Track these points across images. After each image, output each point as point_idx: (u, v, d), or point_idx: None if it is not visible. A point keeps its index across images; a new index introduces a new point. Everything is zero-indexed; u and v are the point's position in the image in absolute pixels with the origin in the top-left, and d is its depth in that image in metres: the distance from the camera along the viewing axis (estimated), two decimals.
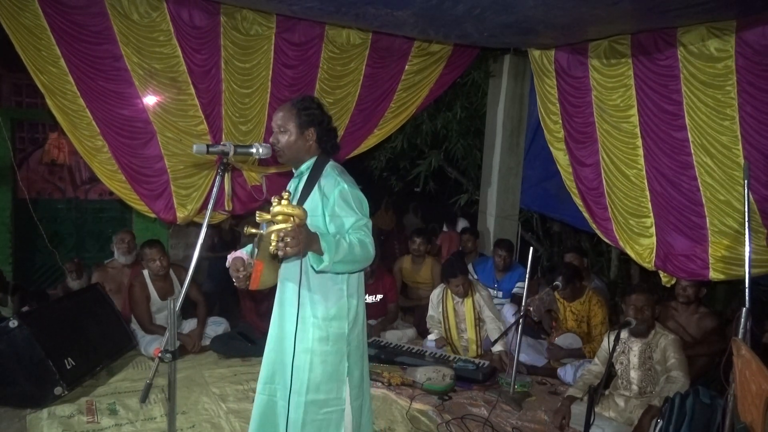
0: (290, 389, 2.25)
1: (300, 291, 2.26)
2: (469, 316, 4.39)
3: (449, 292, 4.49)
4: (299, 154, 2.29)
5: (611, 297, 5.34)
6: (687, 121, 3.94)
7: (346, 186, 2.16)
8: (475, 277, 5.17)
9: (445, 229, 7.18)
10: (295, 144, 2.26)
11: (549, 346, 4.30)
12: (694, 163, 3.96)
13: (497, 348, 4.22)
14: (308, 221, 2.17)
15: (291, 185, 2.38)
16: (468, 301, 4.40)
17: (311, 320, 2.23)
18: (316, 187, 2.21)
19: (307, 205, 2.20)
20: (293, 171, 2.37)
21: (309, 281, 2.21)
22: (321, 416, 2.24)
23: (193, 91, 4.36)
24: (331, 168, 2.26)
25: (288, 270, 2.28)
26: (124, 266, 4.65)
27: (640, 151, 4.28)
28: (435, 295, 4.63)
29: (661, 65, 4.06)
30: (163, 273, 4.34)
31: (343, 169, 2.30)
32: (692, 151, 3.95)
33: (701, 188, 3.96)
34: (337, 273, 2.18)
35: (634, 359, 3.40)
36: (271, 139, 2.31)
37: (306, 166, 2.30)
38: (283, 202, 1.89)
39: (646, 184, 4.28)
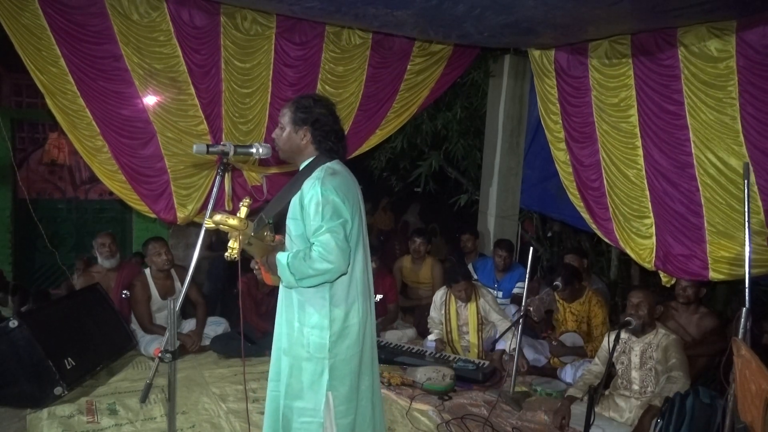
0: (283, 391, 2.25)
1: (288, 294, 2.26)
2: (472, 320, 4.37)
3: (453, 295, 4.48)
4: (294, 152, 2.26)
5: (611, 297, 5.34)
6: (689, 120, 3.94)
7: (319, 191, 2.09)
8: (475, 277, 5.16)
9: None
10: (288, 141, 2.24)
11: (553, 342, 4.30)
12: (695, 162, 3.96)
13: (501, 345, 4.22)
14: (289, 225, 2.20)
15: None
16: (471, 306, 4.38)
17: (295, 325, 2.21)
18: (299, 192, 2.17)
19: (291, 209, 2.20)
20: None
21: None
22: (299, 424, 2.21)
23: (193, 91, 4.36)
24: (319, 171, 2.18)
25: None
26: (109, 270, 4.50)
27: (640, 151, 4.28)
28: (438, 296, 4.61)
29: (662, 65, 4.06)
30: (167, 267, 4.33)
31: (336, 169, 2.21)
32: (693, 151, 3.95)
33: (700, 188, 3.96)
34: (309, 287, 2.14)
35: (635, 359, 3.39)
36: (273, 134, 2.31)
37: (303, 167, 2.26)
38: (220, 216, 1.98)
39: (646, 183, 4.28)
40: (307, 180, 2.16)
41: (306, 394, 2.19)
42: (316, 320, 2.17)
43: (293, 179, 2.24)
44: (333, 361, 2.18)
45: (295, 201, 2.18)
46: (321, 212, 2.07)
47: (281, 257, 2.12)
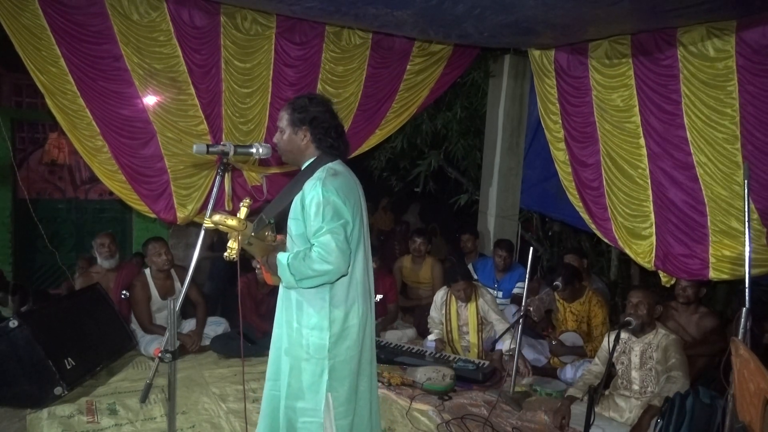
0: (284, 392, 2.25)
1: (288, 295, 2.26)
2: (472, 320, 4.38)
3: (452, 294, 4.49)
4: (296, 154, 2.26)
5: (611, 297, 5.34)
6: (686, 120, 3.94)
7: (320, 191, 2.08)
8: (475, 277, 5.17)
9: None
10: (289, 143, 2.24)
11: (553, 341, 4.30)
12: (694, 162, 3.96)
13: (500, 345, 4.23)
14: (290, 225, 2.20)
15: None
16: (471, 306, 4.39)
17: (294, 325, 2.21)
18: (300, 192, 2.17)
19: (292, 209, 2.20)
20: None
21: None
22: (300, 424, 2.21)
23: (193, 91, 4.36)
24: (321, 171, 2.17)
25: None
26: (108, 271, 4.48)
27: (644, 151, 4.28)
28: (439, 296, 4.61)
29: (661, 65, 4.06)
30: (167, 267, 4.33)
31: (338, 170, 2.21)
32: (692, 150, 3.95)
33: (703, 187, 3.96)
34: (308, 288, 2.15)
35: (635, 359, 3.40)
36: (274, 138, 2.30)
37: (304, 167, 2.26)
38: (218, 217, 1.98)
39: (649, 183, 4.28)
40: (309, 180, 2.15)
41: (306, 394, 2.19)
42: (315, 321, 2.17)
43: (294, 179, 2.24)
44: (332, 362, 2.18)
45: (296, 201, 2.18)
46: (322, 213, 2.07)
47: (281, 257, 2.13)
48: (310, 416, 2.20)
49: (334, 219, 2.07)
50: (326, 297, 2.16)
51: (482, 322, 4.39)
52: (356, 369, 2.27)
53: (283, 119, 2.25)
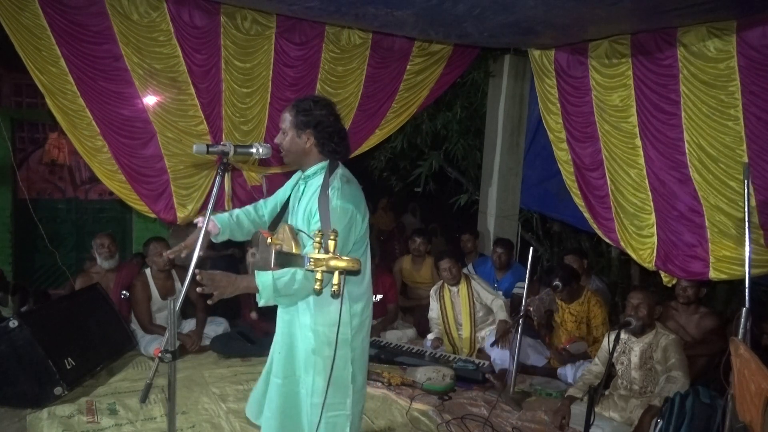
0: (310, 390, 2.26)
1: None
2: (464, 306, 4.46)
3: (446, 285, 4.57)
4: (299, 157, 2.25)
5: (611, 297, 5.34)
6: (684, 121, 3.93)
7: (340, 203, 2.08)
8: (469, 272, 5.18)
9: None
10: (292, 146, 2.22)
11: (560, 350, 4.25)
12: (688, 162, 3.96)
13: (501, 316, 4.41)
14: (302, 227, 2.19)
15: (290, 184, 2.39)
16: (462, 289, 4.52)
17: (317, 325, 2.22)
18: (321, 197, 2.14)
19: (306, 212, 2.18)
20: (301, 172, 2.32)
21: None
22: (327, 419, 2.23)
23: (193, 91, 4.36)
24: (336, 179, 2.17)
25: None
26: (108, 271, 4.48)
27: (640, 151, 4.28)
28: (433, 290, 4.72)
29: (661, 65, 4.06)
30: (168, 268, 4.34)
31: (348, 176, 2.23)
32: (687, 150, 3.95)
33: (697, 188, 3.96)
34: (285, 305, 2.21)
35: (635, 359, 3.40)
36: (275, 139, 2.29)
37: (313, 171, 2.24)
38: (334, 262, 1.65)
39: (647, 183, 4.28)
40: (330, 190, 2.14)
41: (332, 388, 2.21)
42: (336, 318, 2.17)
43: (322, 188, 2.18)
44: (354, 354, 2.25)
45: (313, 207, 2.16)
46: (340, 225, 2.05)
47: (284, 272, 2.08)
48: (337, 410, 2.24)
49: (343, 233, 2.08)
50: (345, 293, 2.18)
51: (474, 305, 4.49)
52: (367, 357, 2.37)
53: (286, 120, 2.23)
